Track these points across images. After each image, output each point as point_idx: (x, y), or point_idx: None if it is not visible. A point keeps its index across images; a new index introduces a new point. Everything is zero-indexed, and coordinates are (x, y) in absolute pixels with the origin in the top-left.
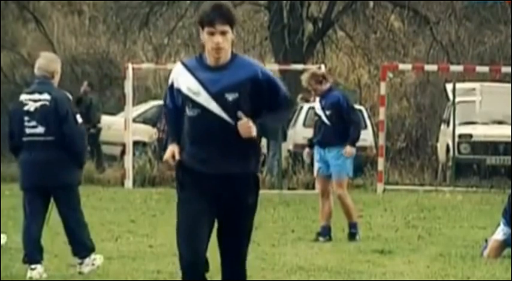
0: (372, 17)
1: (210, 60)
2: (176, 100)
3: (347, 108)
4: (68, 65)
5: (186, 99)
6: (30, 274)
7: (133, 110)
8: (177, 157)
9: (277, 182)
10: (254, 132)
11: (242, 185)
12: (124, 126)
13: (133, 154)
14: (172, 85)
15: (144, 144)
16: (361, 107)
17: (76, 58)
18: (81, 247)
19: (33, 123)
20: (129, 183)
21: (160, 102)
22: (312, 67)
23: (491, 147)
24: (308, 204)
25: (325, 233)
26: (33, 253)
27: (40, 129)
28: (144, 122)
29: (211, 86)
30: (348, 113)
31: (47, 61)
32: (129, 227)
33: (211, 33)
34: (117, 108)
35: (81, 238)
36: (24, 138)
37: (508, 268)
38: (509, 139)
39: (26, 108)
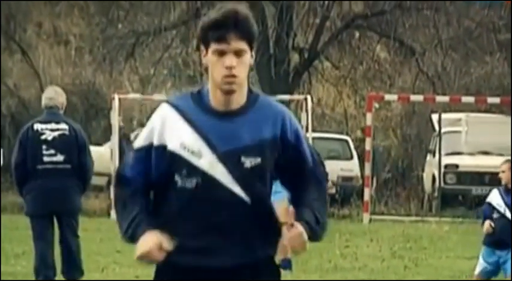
0: (357, 48)
1: (215, 100)
2: (156, 167)
3: None
4: None
5: (178, 162)
6: None
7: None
8: (168, 246)
9: None
10: (307, 244)
11: (254, 276)
12: (110, 157)
13: None
14: (150, 146)
15: None
16: (347, 138)
17: (62, 89)
18: (76, 269)
19: (52, 151)
20: (115, 214)
21: None
22: (298, 97)
23: (477, 177)
24: None
25: (285, 265)
26: (47, 273)
27: (59, 158)
28: None
29: (220, 142)
30: None
31: (57, 94)
32: (115, 257)
33: (221, 53)
34: (104, 138)
35: (78, 261)
36: (40, 166)
37: None
38: (495, 170)
39: (43, 137)
